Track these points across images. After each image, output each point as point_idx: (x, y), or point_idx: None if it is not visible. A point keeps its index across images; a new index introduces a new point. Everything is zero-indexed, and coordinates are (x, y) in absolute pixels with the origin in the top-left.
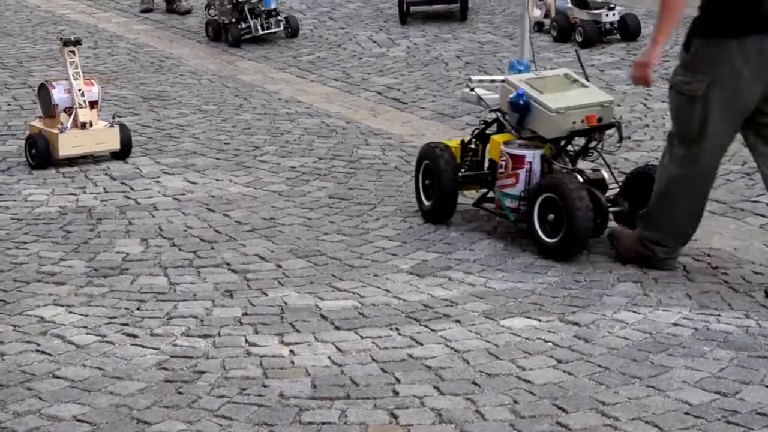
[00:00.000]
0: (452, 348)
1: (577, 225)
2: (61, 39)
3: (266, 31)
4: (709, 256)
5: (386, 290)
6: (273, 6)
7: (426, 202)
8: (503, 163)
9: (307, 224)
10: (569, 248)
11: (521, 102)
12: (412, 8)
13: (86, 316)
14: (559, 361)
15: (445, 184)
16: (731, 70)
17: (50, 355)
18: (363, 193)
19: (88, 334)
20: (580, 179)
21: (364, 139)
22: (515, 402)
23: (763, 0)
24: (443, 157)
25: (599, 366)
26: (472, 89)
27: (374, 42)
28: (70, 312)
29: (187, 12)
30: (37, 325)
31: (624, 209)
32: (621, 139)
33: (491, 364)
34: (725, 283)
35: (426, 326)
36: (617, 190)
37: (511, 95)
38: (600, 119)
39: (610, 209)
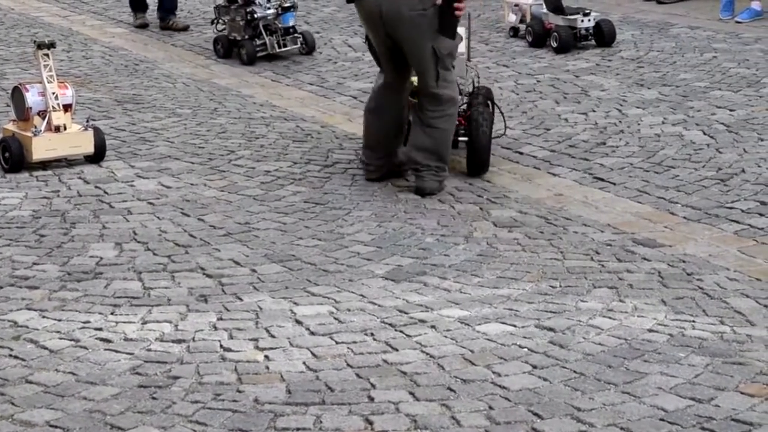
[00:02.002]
0: (427, 353)
1: None
2: (35, 42)
3: (283, 49)
4: (683, 262)
5: (361, 295)
6: (291, 23)
7: None
8: None
9: (282, 229)
10: None
11: None
12: None
13: (60, 320)
14: (535, 367)
15: None
16: (365, 21)
17: (23, 360)
18: (338, 198)
19: (61, 338)
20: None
21: (339, 143)
22: (490, 408)
23: None
24: None
25: (574, 372)
26: None
27: (349, 46)
28: (44, 316)
29: (185, 28)
30: (10, 329)
31: None
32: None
33: (466, 369)
34: (700, 289)
35: (401, 332)
36: None
37: None
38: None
39: None
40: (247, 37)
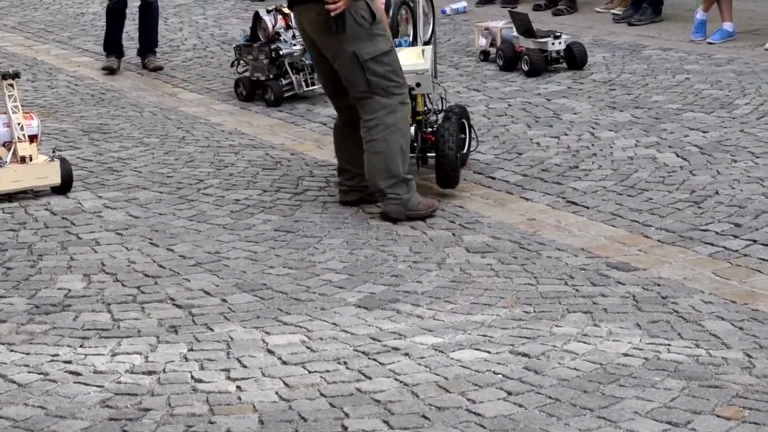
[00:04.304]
0: (401, 381)
1: None
2: None
3: (310, 88)
4: (658, 285)
5: (334, 324)
6: None
7: None
8: None
9: (253, 258)
10: None
11: None
12: None
13: (28, 354)
14: (510, 393)
15: None
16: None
17: None
18: (309, 226)
19: (30, 372)
20: None
21: (309, 170)
22: None
23: None
24: None
25: (550, 398)
26: None
27: None
28: (12, 350)
29: (158, 69)
30: None
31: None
32: None
33: (441, 397)
34: (675, 312)
35: (374, 360)
36: None
37: None
38: (418, 84)
39: None
40: (272, 76)
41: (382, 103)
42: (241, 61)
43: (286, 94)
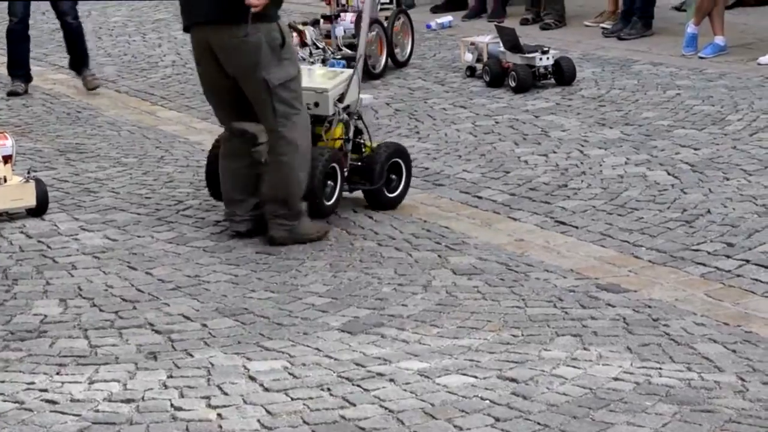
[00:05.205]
0: (386, 408)
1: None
2: None
3: None
4: (649, 307)
5: (317, 349)
6: None
7: None
8: None
9: (234, 281)
10: None
11: None
12: None
13: (3, 382)
14: (497, 420)
15: None
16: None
17: None
18: (292, 248)
19: (5, 401)
20: None
21: None
22: None
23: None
24: None
25: (539, 424)
26: None
27: None
28: None
29: (95, 87)
30: None
31: None
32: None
33: (427, 424)
34: (666, 335)
35: (359, 386)
36: None
37: None
38: (316, 103)
39: None
40: None
41: (287, 139)
42: None
43: None
